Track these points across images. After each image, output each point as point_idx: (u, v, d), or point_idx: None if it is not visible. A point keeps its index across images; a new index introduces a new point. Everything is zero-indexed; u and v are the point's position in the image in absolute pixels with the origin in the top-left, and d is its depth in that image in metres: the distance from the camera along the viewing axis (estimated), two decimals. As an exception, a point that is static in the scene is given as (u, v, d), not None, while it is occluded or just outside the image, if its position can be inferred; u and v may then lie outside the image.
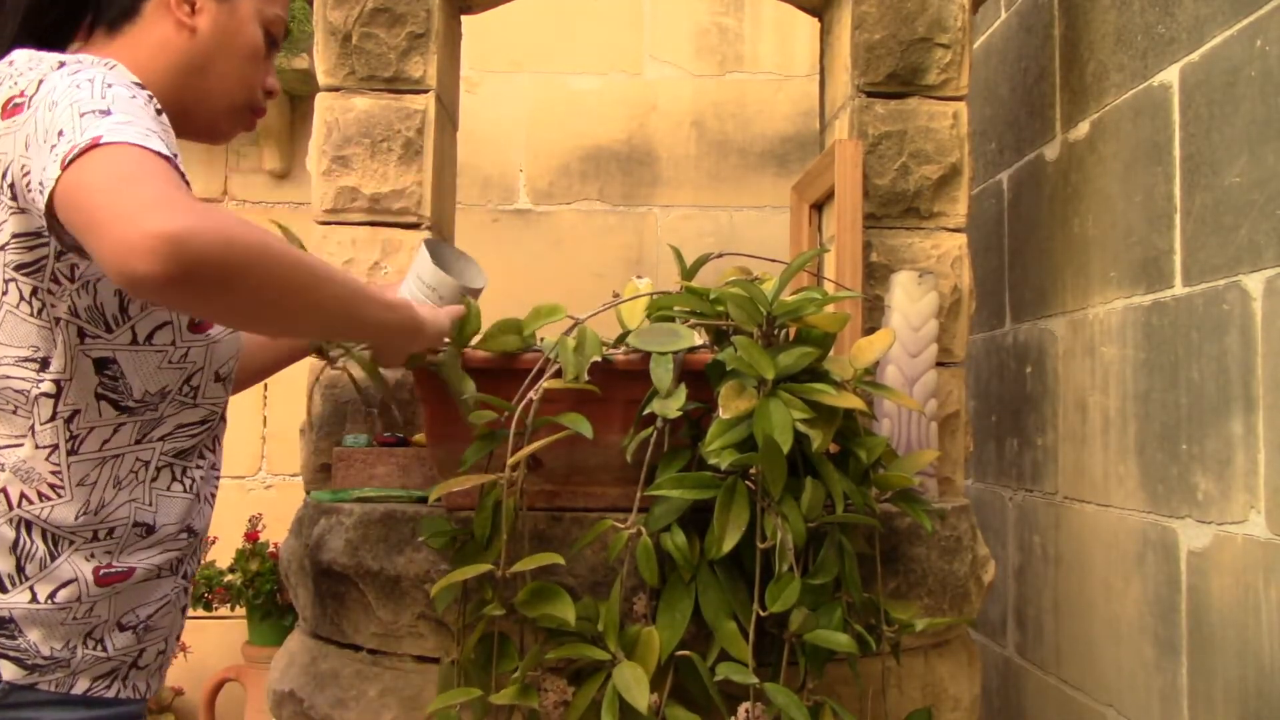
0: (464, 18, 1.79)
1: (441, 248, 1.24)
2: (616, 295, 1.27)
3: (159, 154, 0.87)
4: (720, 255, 1.38)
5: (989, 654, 2.22)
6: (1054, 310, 1.93)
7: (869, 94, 1.61)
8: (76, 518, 1.00)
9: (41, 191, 0.87)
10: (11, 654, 0.98)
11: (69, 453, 1.00)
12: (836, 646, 1.12)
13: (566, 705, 1.13)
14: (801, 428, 1.11)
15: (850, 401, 1.14)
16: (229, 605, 2.62)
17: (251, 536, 2.67)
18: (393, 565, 1.26)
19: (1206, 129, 1.47)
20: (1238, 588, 1.39)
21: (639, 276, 1.31)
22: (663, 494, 1.12)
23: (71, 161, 0.84)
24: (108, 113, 0.89)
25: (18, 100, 0.95)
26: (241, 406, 2.82)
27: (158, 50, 1.08)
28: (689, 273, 1.31)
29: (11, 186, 0.94)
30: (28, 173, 0.91)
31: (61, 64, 0.96)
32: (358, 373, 1.16)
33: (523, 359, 1.20)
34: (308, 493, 1.50)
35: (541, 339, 1.22)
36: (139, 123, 0.90)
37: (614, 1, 2.96)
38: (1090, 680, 1.79)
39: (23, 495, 0.98)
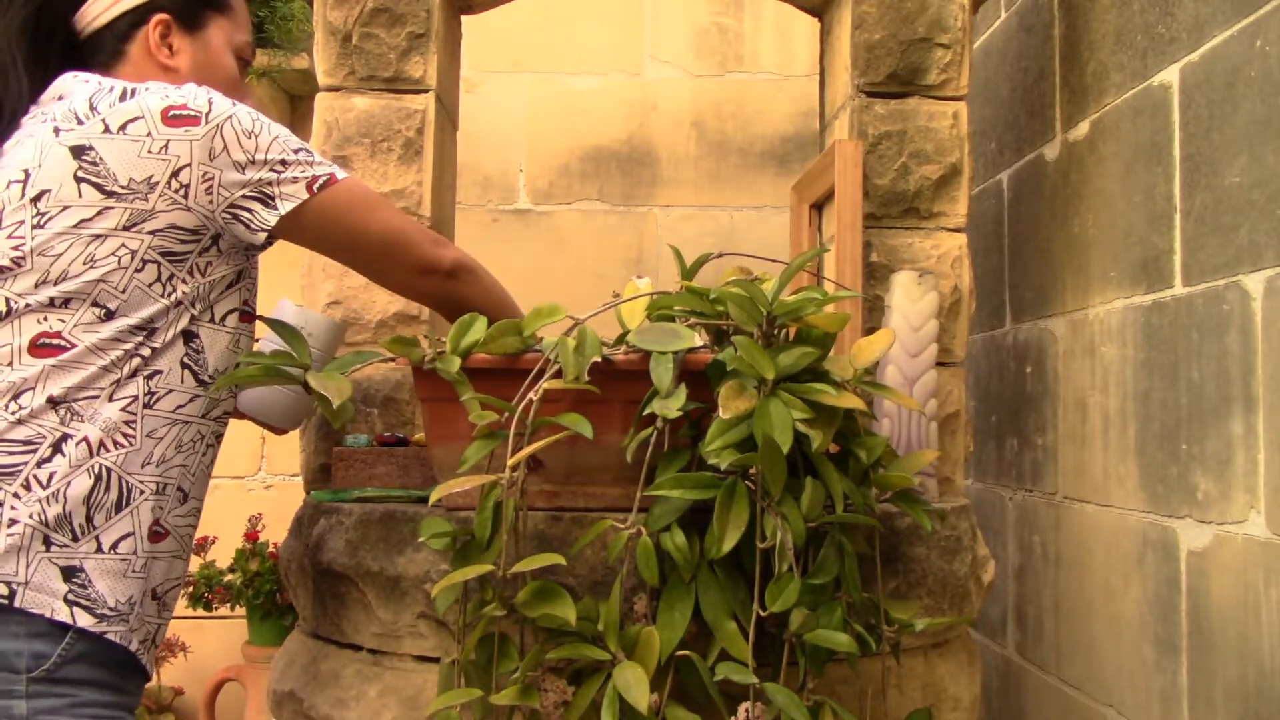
0: (464, 18, 1.79)
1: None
2: (617, 295, 1.27)
3: None
4: (720, 255, 1.38)
5: (989, 654, 2.22)
6: (1054, 310, 1.93)
7: (869, 94, 1.61)
8: (143, 466, 1.10)
9: (271, 201, 1.13)
10: (83, 602, 1.05)
11: (145, 405, 1.11)
12: (836, 646, 1.12)
13: (566, 705, 1.13)
14: (801, 428, 1.11)
15: (850, 401, 1.14)
16: (229, 605, 2.62)
17: (251, 536, 2.66)
18: (393, 565, 1.26)
19: (1206, 129, 1.47)
20: (1238, 588, 1.39)
21: (639, 276, 1.31)
22: (663, 494, 1.12)
23: (322, 189, 1.15)
24: (310, 152, 1.17)
25: (184, 113, 1.10)
26: (241, 406, 2.83)
27: None
28: (689, 273, 1.31)
29: (186, 187, 1.09)
30: (210, 180, 1.10)
31: (207, 92, 1.14)
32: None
33: (524, 359, 1.20)
34: (308, 493, 1.50)
35: (540, 339, 1.22)
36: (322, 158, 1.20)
37: (614, 1, 2.96)
38: (1090, 680, 1.79)
39: (101, 443, 1.07)
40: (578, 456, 1.24)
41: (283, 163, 1.14)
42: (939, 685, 1.35)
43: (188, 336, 1.14)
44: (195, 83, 1.17)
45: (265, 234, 1.15)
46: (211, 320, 1.16)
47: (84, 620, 1.04)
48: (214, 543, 2.65)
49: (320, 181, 1.15)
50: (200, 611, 2.64)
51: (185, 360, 1.14)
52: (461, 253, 1.26)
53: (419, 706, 1.24)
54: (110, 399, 1.08)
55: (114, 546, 1.07)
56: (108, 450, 1.08)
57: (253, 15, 2.70)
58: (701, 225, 2.92)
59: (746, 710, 1.11)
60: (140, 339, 1.10)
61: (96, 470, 1.07)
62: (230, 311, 1.18)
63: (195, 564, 2.64)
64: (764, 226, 2.91)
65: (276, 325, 1.22)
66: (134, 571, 1.09)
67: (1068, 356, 1.88)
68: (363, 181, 1.24)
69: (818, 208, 1.82)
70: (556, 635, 1.15)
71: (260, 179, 1.12)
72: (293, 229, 1.16)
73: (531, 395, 1.14)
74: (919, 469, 1.31)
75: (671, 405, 1.13)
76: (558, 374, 1.16)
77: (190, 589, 2.61)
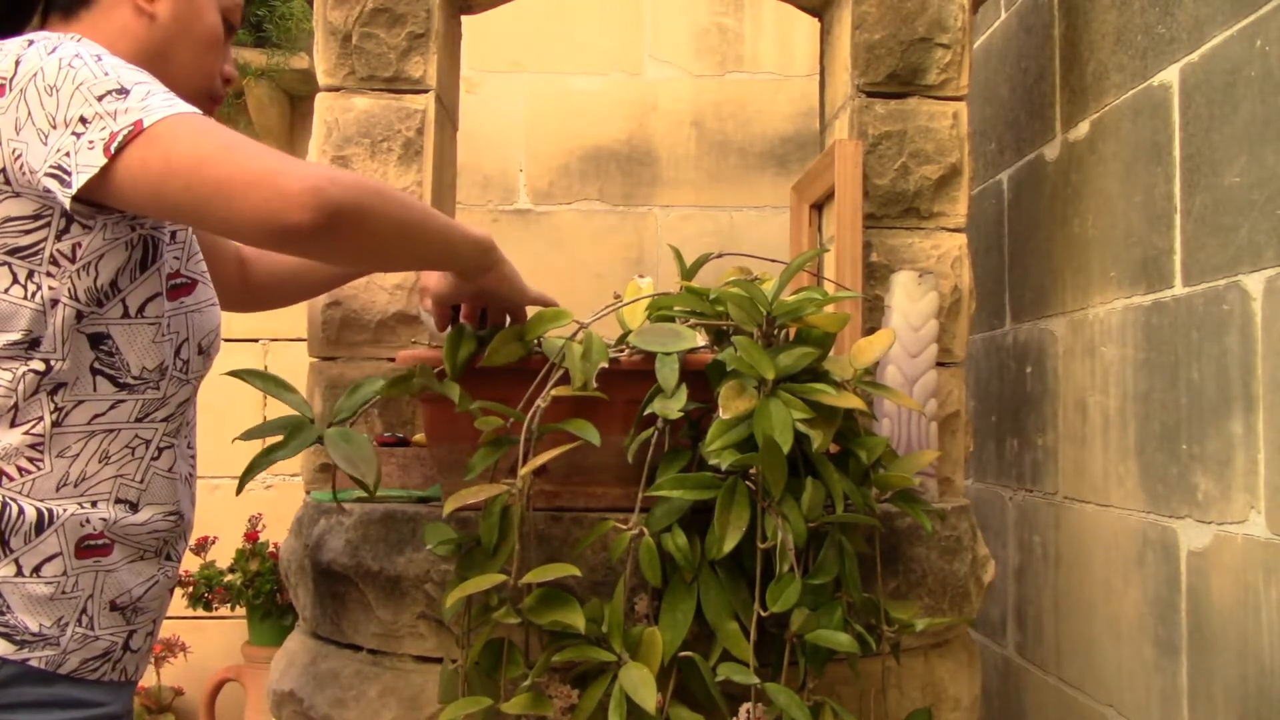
0: (464, 18, 1.79)
1: None
2: (618, 296, 1.27)
3: (200, 114, 0.93)
4: (720, 255, 1.38)
5: (989, 654, 2.22)
6: (1054, 310, 1.93)
7: (869, 94, 1.61)
8: (57, 489, 1.00)
9: (66, 175, 0.91)
10: (1, 629, 0.98)
11: (53, 424, 0.99)
12: (837, 646, 1.12)
13: (573, 709, 1.13)
14: (801, 428, 1.11)
15: (850, 401, 1.14)
16: (229, 605, 2.62)
17: (251, 536, 2.66)
18: (393, 565, 1.26)
19: (1206, 129, 1.47)
20: (1238, 588, 1.40)
21: (641, 276, 1.31)
22: (664, 495, 1.12)
23: (122, 148, 0.89)
24: (125, 91, 0.92)
25: None
26: (241, 406, 2.82)
27: (116, 36, 1.07)
28: (689, 273, 1.31)
29: (3, 171, 0.94)
30: (19, 156, 0.93)
31: (31, 41, 0.97)
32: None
33: (531, 360, 1.19)
34: (308, 493, 1.50)
35: (539, 341, 1.21)
36: (156, 89, 0.94)
37: (614, 1, 2.96)
38: (1090, 680, 1.79)
39: (2, 473, 0.98)
40: (579, 457, 1.23)
41: (82, 119, 0.91)
42: (939, 685, 1.35)
43: (96, 339, 1.00)
44: (175, 36, 1.08)
45: (66, 221, 0.96)
46: (126, 315, 1.02)
47: (2, 648, 0.97)
48: (214, 543, 2.65)
49: (121, 136, 0.89)
50: (200, 611, 2.64)
51: (97, 366, 1.00)
52: (332, 191, 0.89)
53: (419, 707, 1.24)
54: (12, 424, 0.98)
55: (37, 570, 0.99)
56: (11, 479, 0.97)
57: (252, 15, 2.70)
58: (701, 225, 2.92)
59: (748, 710, 1.11)
60: (24, 354, 0.97)
61: (2, 499, 0.98)
62: (151, 299, 1.04)
63: (195, 564, 2.65)
64: (764, 226, 2.91)
65: (259, 379, 1.11)
66: (64, 593, 1.00)
67: (1068, 356, 1.88)
68: (194, 112, 0.92)
69: (818, 208, 1.82)
70: (560, 637, 1.15)
71: (59, 148, 0.91)
72: (105, 203, 0.94)
73: (539, 402, 1.13)
74: (919, 469, 1.31)
75: (673, 406, 1.13)
76: (563, 377, 1.16)
77: (190, 589, 2.61)
